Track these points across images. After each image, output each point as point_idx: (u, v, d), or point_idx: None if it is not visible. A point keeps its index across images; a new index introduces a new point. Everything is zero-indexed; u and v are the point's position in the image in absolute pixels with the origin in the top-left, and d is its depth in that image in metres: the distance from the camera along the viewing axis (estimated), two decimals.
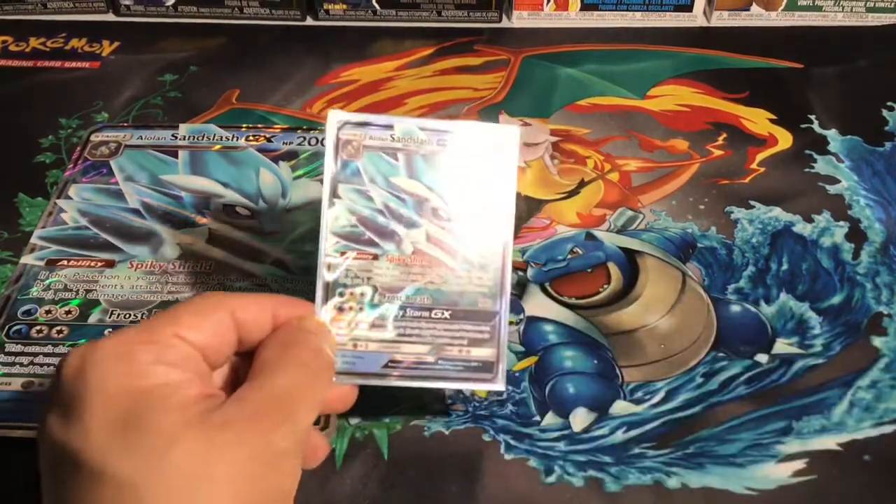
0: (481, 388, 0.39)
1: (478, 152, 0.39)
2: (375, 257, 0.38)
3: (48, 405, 0.32)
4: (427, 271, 0.38)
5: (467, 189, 0.39)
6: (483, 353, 0.38)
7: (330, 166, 0.38)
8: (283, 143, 0.60)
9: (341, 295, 0.38)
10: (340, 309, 0.38)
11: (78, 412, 0.31)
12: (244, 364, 0.36)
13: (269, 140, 0.60)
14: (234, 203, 0.56)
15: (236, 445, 0.31)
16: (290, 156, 0.59)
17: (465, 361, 0.38)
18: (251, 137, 0.60)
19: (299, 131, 0.61)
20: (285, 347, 0.35)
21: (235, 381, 0.35)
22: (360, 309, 0.38)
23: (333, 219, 0.38)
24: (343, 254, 0.38)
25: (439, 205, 0.39)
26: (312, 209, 0.55)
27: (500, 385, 0.39)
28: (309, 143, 0.60)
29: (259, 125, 0.62)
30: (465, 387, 0.39)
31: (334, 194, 0.38)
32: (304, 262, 0.52)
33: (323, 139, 0.60)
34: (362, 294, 0.38)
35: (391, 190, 0.38)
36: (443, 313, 0.38)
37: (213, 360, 0.35)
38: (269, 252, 0.53)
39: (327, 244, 0.38)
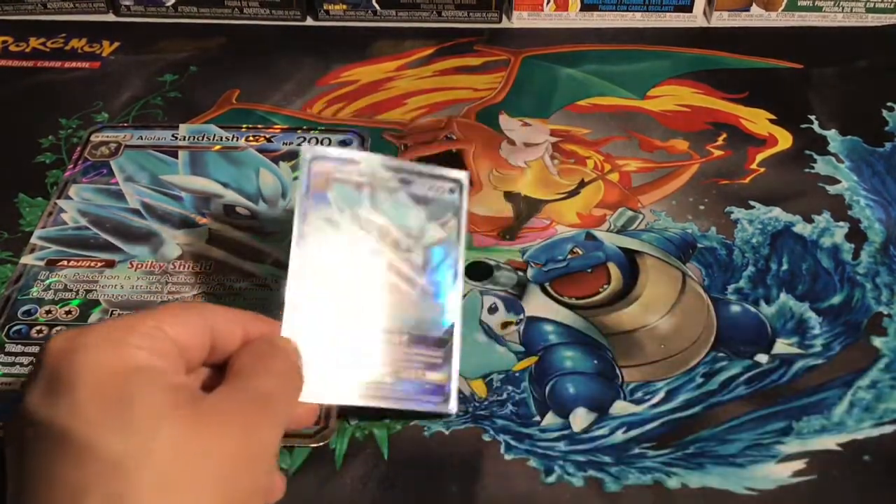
0: (435, 409, 0.41)
1: (434, 190, 0.42)
2: (341, 286, 0.40)
3: (29, 385, 0.32)
4: (388, 299, 0.40)
5: (424, 223, 0.42)
6: (436, 376, 0.41)
7: (300, 196, 0.40)
8: (283, 143, 0.60)
9: (307, 317, 0.39)
10: (306, 331, 0.39)
11: (66, 389, 0.31)
12: (212, 375, 0.37)
13: (269, 140, 0.60)
14: (234, 203, 0.56)
15: (223, 433, 0.32)
16: (290, 156, 0.59)
17: (420, 383, 0.40)
18: (251, 138, 0.61)
19: (299, 131, 0.61)
20: (261, 357, 0.36)
21: (205, 390, 0.36)
22: (325, 331, 0.39)
23: (303, 245, 0.40)
24: (312, 284, 0.39)
25: (399, 237, 0.41)
26: None
27: (451, 408, 0.41)
28: (309, 144, 0.60)
29: (259, 125, 0.62)
30: (421, 408, 0.40)
31: (304, 221, 0.40)
32: None
33: (323, 139, 0.60)
34: (326, 317, 0.39)
35: (356, 221, 0.41)
36: (401, 338, 0.40)
37: (188, 359, 0.35)
38: (268, 252, 0.53)
39: (296, 269, 0.39)
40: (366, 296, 0.40)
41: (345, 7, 0.73)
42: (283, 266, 0.51)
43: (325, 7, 0.72)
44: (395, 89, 0.67)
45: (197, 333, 0.35)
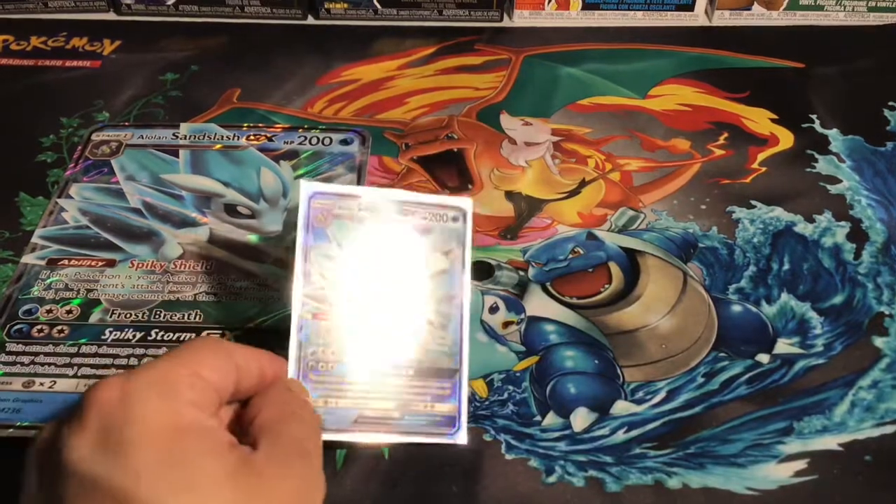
0: (445, 441, 0.41)
1: (437, 220, 0.42)
2: (344, 318, 0.40)
3: (72, 434, 0.32)
4: (391, 331, 0.40)
5: (428, 254, 0.42)
6: (445, 407, 0.40)
7: (301, 233, 0.40)
8: (284, 142, 0.60)
9: (313, 354, 0.39)
10: (312, 368, 0.39)
11: (121, 447, 0.31)
12: (231, 411, 0.38)
13: (269, 139, 0.60)
14: (235, 202, 0.56)
15: (281, 491, 0.33)
16: (291, 155, 0.59)
17: (429, 416, 0.40)
18: (252, 137, 0.60)
19: (300, 130, 0.61)
20: (283, 406, 0.37)
21: (228, 428, 0.36)
22: (332, 367, 0.40)
23: (306, 282, 0.40)
24: (314, 315, 0.40)
25: (402, 268, 0.41)
26: None
27: (462, 439, 0.40)
28: (310, 143, 0.60)
29: (260, 124, 0.62)
30: (431, 441, 0.40)
31: (306, 259, 0.40)
32: None
33: (324, 138, 0.60)
34: (332, 355, 0.40)
35: (357, 255, 0.41)
36: (407, 371, 0.40)
37: (220, 400, 0.36)
38: (269, 252, 0.53)
39: (300, 306, 0.40)
40: (370, 330, 0.40)
41: (346, 6, 0.73)
42: (284, 265, 0.51)
43: (326, 6, 0.72)
44: (396, 88, 0.67)
45: (228, 375, 0.36)
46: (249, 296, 0.50)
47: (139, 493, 0.30)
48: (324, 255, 0.40)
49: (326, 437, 0.39)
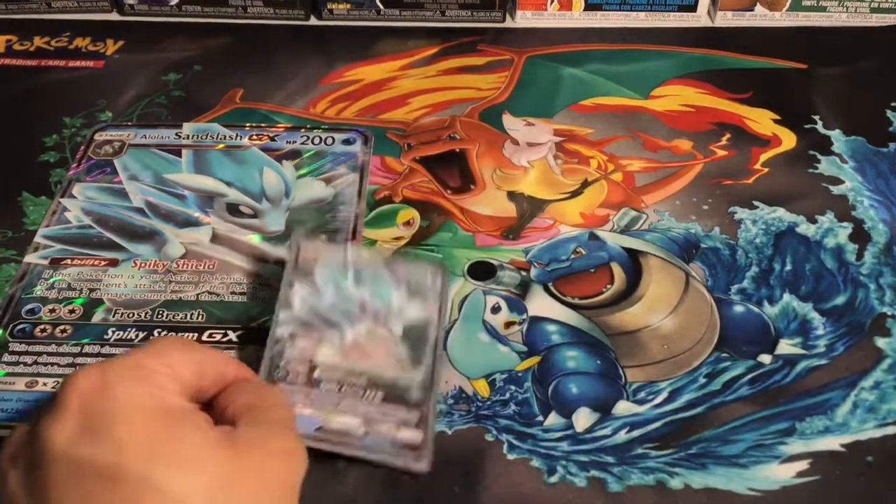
0: (405, 466, 0.41)
1: (415, 275, 0.46)
2: (320, 341, 0.44)
3: (58, 419, 0.32)
4: (364, 359, 0.43)
5: (405, 301, 0.45)
6: (410, 434, 0.41)
7: (289, 270, 0.46)
8: (287, 142, 0.60)
9: (285, 366, 0.43)
10: (283, 378, 0.42)
11: (106, 427, 0.31)
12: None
13: (272, 139, 0.60)
14: (238, 202, 0.56)
15: (268, 464, 0.34)
16: (294, 155, 0.59)
17: (392, 440, 0.41)
18: (254, 136, 0.61)
19: (302, 130, 0.61)
20: (256, 392, 0.38)
21: None
22: (301, 379, 0.42)
23: (287, 308, 0.44)
24: (291, 335, 0.44)
25: (380, 309, 0.45)
26: (316, 208, 0.55)
27: (423, 467, 0.41)
28: (312, 143, 0.60)
29: (262, 124, 0.62)
30: (391, 462, 0.41)
31: (290, 290, 0.45)
32: None
33: (326, 138, 0.60)
34: (303, 369, 0.43)
35: (339, 294, 0.45)
36: (376, 394, 0.42)
37: (189, 394, 0.36)
38: (272, 252, 0.53)
39: (279, 329, 0.44)
40: (342, 357, 0.43)
41: (348, 6, 0.73)
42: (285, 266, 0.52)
43: (328, 6, 0.72)
44: (398, 89, 0.67)
45: (194, 372, 0.36)
46: (252, 295, 0.50)
47: (127, 467, 0.30)
48: (308, 290, 0.45)
49: None
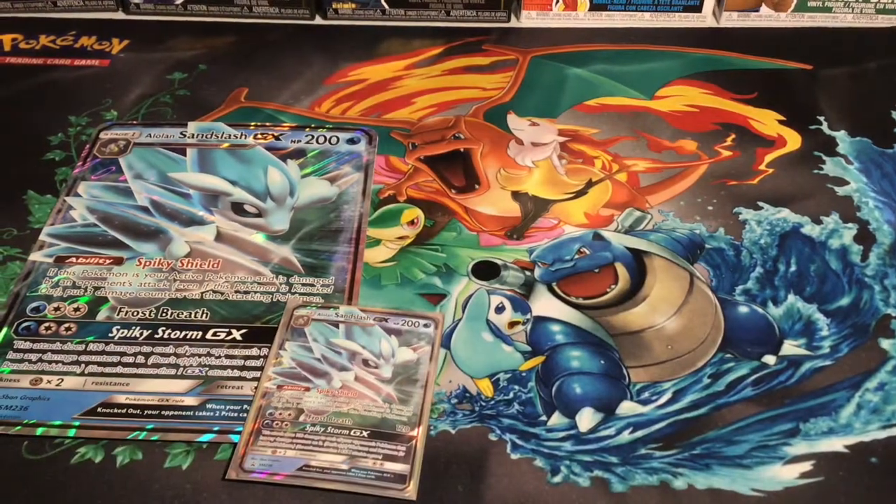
0: (390, 495, 0.42)
1: (409, 325, 0.48)
2: (307, 389, 0.45)
3: None
4: (352, 401, 0.45)
5: (396, 347, 0.47)
6: (397, 467, 0.42)
7: (281, 330, 0.48)
8: (292, 141, 0.60)
9: (271, 414, 0.44)
10: (267, 425, 0.44)
11: None
12: None
13: (277, 138, 0.61)
14: (243, 201, 0.56)
15: None
16: (298, 154, 0.59)
17: (378, 472, 0.42)
18: (259, 136, 0.61)
19: (307, 129, 0.61)
20: None
21: None
22: (286, 426, 0.44)
23: (277, 364, 0.46)
24: (280, 387, 0.45)
25: (369, 357, 0.47)
26: (320, 207, 0.56)
27: (410, 494, 0.42)
28: (317, 142, 0.60)
29: (267, 123, 0.62)
30: (376, 493, 0.42)
31: (281, 347, 0.47)
32: (311, 260, 0.52)
33: (331, 137, 0.61)
34: (289, 415, 0.44)
35: (330, 346, 0.47)
36: (361, 432, 0.43)
37: None
38: (276, 250, 0.53)
39: (268, 381, 0.45)
40: (330, 398, 0.45)
41: (354, 6, 0.73)
42: (290, 265, 0.52)
43: (333, 6, 0.73)
44: (403, 88, 0.67)
45: None
46: (256, 294, 0.50)
47: None
48: (299, 346, 0.47)
49: (269, 480, 0.42)
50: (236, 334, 0.48)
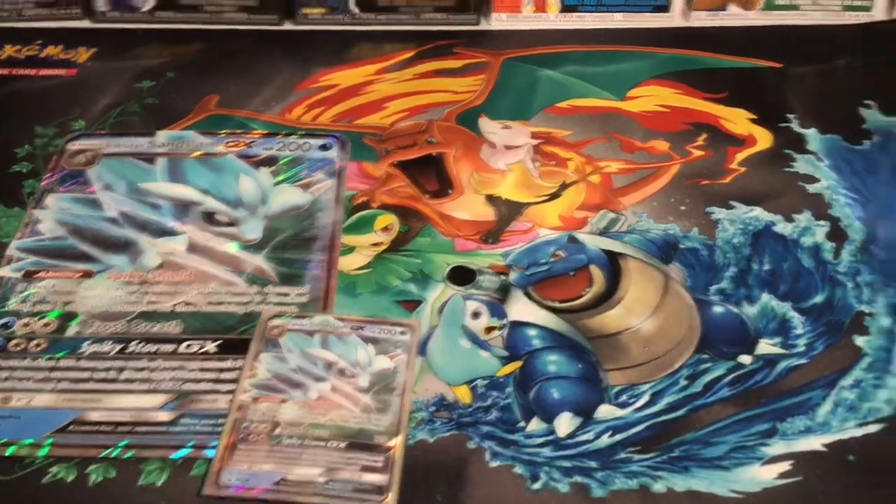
0: None
1: (385, 332, 0.48)
2: (283, 401, 0.45)
3: None
4: (329, 412, 0.44)
5: (372, 356, 0.47)
6: (376, 478, 0.42)
7: (255, 342, 0.47)
8: (263, 148, 0.60)
9: (246, 428, 0.43)
10: (243, 439, 0.43)
11: None
12: None
13: (248, 146, 0.60)
14: (214, 210, 0.55)
15: None
16: (270, 161, 0.59)
17: (356, 483, 0.42)
18: (230, 143, 0.60)
19: (279, 136, 0.61)
20: None
21: None
22: (262, 439, 0.43)
23: (251, 376, 0.46)
24: (255, 399, 0.45)
25: (346, 366, 0.46)
26: (294, 215, 0.55)
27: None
28: (289, 149, 0.60)
29: (238, 131, 0.62)
30: None
31: (256, 359, 0.46)
32: (284, 269, 0.52)
33: (303, 144, 0.60)
34: (265, 428, 0.44)
35: (305, 356, 0.46)
36: (339, 444, 0.43)
37: None
38: (249, 260, 0.52)
39: (243, 394, 0.45)
40: (307, 410, 0.44)
41: (323, 10, 0.72)
42: (264, 274, 0.51)
43: (303, 11, 0.72)
44: (374, 93, 0.66)
45: None
46: (229, 305, 0.49)
47: None
48: (274, 357, 0.46)
49: (248, 494, 0.41)
50: (211, 346, 0.48)
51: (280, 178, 0.58)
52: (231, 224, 0.54)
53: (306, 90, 0.66)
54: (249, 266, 0.52)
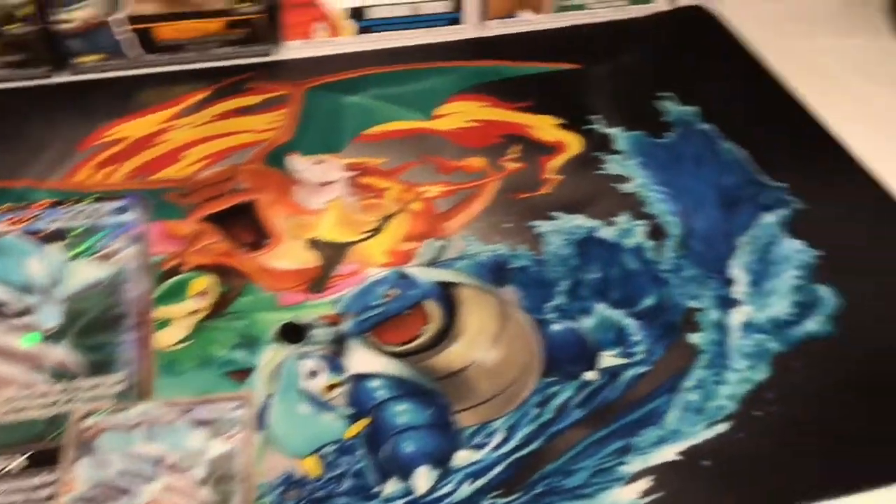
0: None
1: (218, 412, 0.44)
2: None
3: None
4: None
5: (207, 440, 0.43)
6: None
7: (66, 451, 0.42)
8: (51, 221, 0.54)
9: None
10: None
11: None
12: None
13: (33, 220, 0.54)
14: (2, 301, 0.49)
15: None
16: (59, 235, 0.53)
17: None
18: (13, 220, 0.54)
19: (67, 205, 0.55)
20: None
21: None
22: None
23: (68, 491, 0.41)
24: None
25: (178, 459, 0.42)
26: (96, 293, 0.50)
27: None
28: (80, 218, 0.54)
29: (19, 204, 0.55)
30: None
31: (71, 469, 0.42)
32: (93, 355, 0.47)
33: (96, 210, 0.55)
34: None
35: (128, 457, 0.42)
36: None
37: None
38: (49, 353, 0.47)
39: None
40: None
41: (99, 57, 0.66)
42: (68, 368, 0.46)
43: (76, 60, 0.66)
44: (169, 142, 0.61)
45: None
46: (32, 410, 0.44)
47: None
48: (90, 463, 0.42)
49: None
50: (20, 460, 0.42)
51: (74, 251, 0.52)
52: (23, 313, 0.48)
53: (91, 148, 0.60)
54: (50, 360, 0.46)
